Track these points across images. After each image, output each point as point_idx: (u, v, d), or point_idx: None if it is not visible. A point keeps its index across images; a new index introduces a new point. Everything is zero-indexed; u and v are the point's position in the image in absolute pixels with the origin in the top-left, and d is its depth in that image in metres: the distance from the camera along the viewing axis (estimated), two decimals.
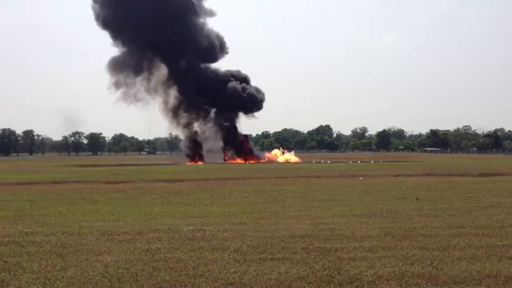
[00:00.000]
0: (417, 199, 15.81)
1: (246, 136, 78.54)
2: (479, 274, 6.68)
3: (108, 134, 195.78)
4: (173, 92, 72.86)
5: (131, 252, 8.19)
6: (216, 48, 72.21)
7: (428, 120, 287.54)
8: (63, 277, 6.76)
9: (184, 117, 72.99)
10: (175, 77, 70.96)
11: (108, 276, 6.76)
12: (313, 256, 7.75)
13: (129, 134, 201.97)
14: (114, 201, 16.42)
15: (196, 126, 74.57)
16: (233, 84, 71.05)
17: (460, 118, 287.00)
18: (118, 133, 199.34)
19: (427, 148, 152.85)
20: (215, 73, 73.44)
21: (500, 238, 9.09)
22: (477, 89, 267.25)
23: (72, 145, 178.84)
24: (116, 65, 69.64)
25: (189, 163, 64.80)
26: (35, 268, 7.22)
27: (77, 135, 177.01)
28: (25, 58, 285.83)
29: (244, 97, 70.95)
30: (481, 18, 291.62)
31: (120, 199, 17.08)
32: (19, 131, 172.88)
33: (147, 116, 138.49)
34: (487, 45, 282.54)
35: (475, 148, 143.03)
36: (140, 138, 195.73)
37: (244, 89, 71.80)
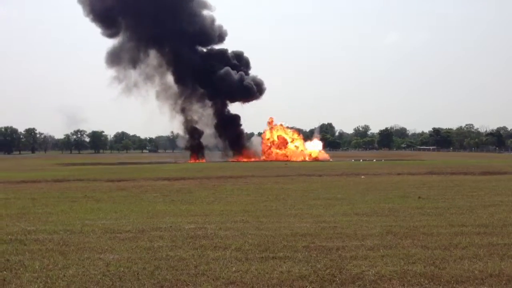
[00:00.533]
0: (419, 197, 15.78)
1: (236, 117, 75.98)
2: (481, 273, 6.66)
3: (110, 132, 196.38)
4: (170, 79, 72.80)
5: (133, 251, 8.20)
6: (212, 37, 71.63)
7: (430, 119, 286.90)
8: (64, 275, 6.77)
9: (180, 103, 72.68)
10: (170, 64, 70.68)
11: (110, 275, 6.76)
12: (314, 255, 7.74)
13: (131, 132, 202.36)
14: (116, 199, 16.44)
15: (194, 111, 73.85)
16: (228, 71, 69.74)
17: (462, 117, 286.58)
18: (120, 131, 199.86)
19: (420, 147, 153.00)
20: (210, 57, 71.91)
21: (502, 237, 9.07)
22: (479, 88, 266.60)
23: (74, 143, 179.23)
24: (114, 57, 69.57)
25: (191, 161, 64.83)
26: (37, 267, 7.23)
27: (79, 133, 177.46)
28: (27, 56, 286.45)
29: (238, 87, 70.04)
30: (484, 17, 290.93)
31: (122, 197, 17.10)
32: (21, 129, 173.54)
33: (147, 109, 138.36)
34: (490, 44, 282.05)
35: (495, 147, 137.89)
36: (142, 137, 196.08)
37: (241, 79, 70.92)
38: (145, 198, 16.90)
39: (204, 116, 73.74)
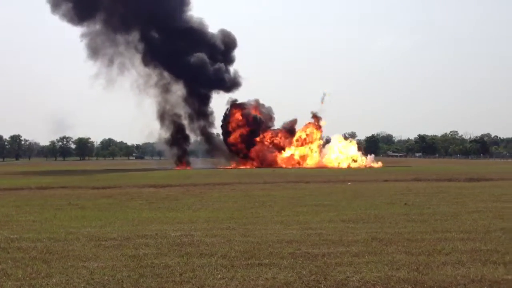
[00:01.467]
0: (405, 204, 15.92)
1: (205, 97, 70.77)
2: (463, 278, 6.75)
3: (96, 139, 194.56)
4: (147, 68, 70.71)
5: (118, 258, 8.14)
6: (190, 24, 69.70)
7: (416, 125, 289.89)
8: (47, 284, 6.71)
9: (157, 91, 70.60)
10: (142, 49, 69.24)
11: (93, 283, 6.71)
12: (300, 262, 7.77)
13: (118, 139, 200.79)
14: (101, 207, 16.31)
15: (170, 99, 71.39)
16: (201, 60, 67.15)
17: (447, 124, 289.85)
18: (106, 138, 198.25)
19: (391, 153, 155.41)
20: (186, 41, 68.54)
21: (485, 243, 9.19)
22: (464, 95, 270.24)
23: (59, 150, 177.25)
24: (92, 51, 68.22)
25: (178, 168, 64.51)
26: (20, 275, 7.15)
27: (64, 140, 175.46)
28: (12, 61, 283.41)
29: (211, 79, 67.66)
30: (468, 24, 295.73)
31: (107, 205, 16.97)
32: (6, 135, 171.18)
33: (131, 109, 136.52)
34: (474, 51, 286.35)
35: (506, 153, 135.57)
36: (129, 143, 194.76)
37: (216, 72, 68.27)
38: (130, 205, 16.79)
39: (179, 104, 71.17)
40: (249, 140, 68.23)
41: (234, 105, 71.81)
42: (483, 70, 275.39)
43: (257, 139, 68.21)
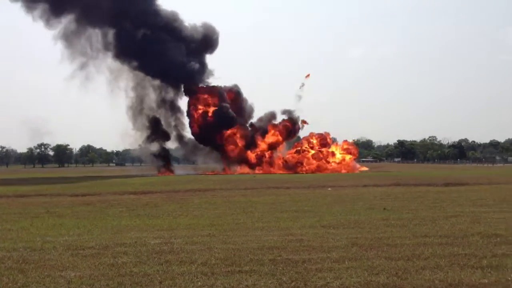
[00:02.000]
0: (384, 209, 16.08)
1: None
2: (441, 283, 6.83)
3: (75, 146, 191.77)
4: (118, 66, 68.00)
5: (96, 267, 8.02)
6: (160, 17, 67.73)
7: (395, 131, 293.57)
8: None
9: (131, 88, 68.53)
10: (113, 44, 67.25)
11: None
12: (280, 268, 7.77)
13: (97, 146, 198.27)
14: (80, 215, 16.07)
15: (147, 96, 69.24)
16: (172, 54, 64.91)
17: (426, 129, 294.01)
18: (85, 144, 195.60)
19: (362, 159, 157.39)
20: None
21: (463, 247, 9.33)
22: (442, 101, 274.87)
23: (37, 157, 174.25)
24: (69, 51, 66.79)
25: (159, 174, 63.86)
26: None
27: (42, 146, 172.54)
28: None
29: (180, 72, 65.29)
30: (447, 31, 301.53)
31: (86, 212, 16.73)
32: None
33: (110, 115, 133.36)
34: (452, 58, 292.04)
35: (498, 157, 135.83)
36: (109, 150, 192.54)
37: (191, 67, 66.02)
38: (110, 213, 16.58)
39: (151, 99, 68.97)
40: (214, 139, 64.39)
41: (191, 92, 67.63)
42: (460, 77, 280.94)
43: (218, 137, 63.91)
